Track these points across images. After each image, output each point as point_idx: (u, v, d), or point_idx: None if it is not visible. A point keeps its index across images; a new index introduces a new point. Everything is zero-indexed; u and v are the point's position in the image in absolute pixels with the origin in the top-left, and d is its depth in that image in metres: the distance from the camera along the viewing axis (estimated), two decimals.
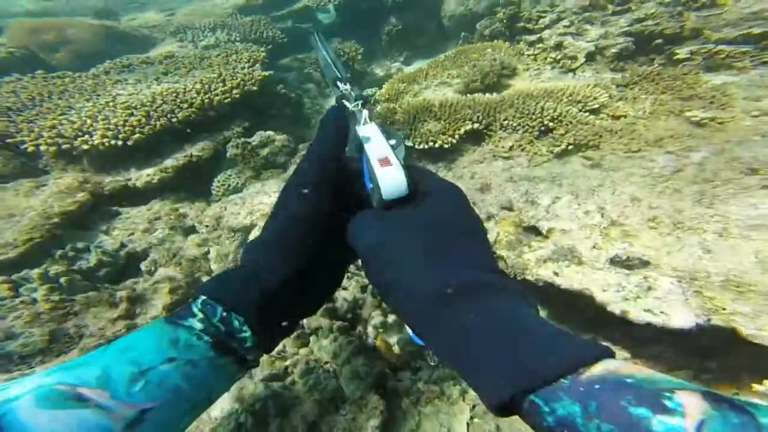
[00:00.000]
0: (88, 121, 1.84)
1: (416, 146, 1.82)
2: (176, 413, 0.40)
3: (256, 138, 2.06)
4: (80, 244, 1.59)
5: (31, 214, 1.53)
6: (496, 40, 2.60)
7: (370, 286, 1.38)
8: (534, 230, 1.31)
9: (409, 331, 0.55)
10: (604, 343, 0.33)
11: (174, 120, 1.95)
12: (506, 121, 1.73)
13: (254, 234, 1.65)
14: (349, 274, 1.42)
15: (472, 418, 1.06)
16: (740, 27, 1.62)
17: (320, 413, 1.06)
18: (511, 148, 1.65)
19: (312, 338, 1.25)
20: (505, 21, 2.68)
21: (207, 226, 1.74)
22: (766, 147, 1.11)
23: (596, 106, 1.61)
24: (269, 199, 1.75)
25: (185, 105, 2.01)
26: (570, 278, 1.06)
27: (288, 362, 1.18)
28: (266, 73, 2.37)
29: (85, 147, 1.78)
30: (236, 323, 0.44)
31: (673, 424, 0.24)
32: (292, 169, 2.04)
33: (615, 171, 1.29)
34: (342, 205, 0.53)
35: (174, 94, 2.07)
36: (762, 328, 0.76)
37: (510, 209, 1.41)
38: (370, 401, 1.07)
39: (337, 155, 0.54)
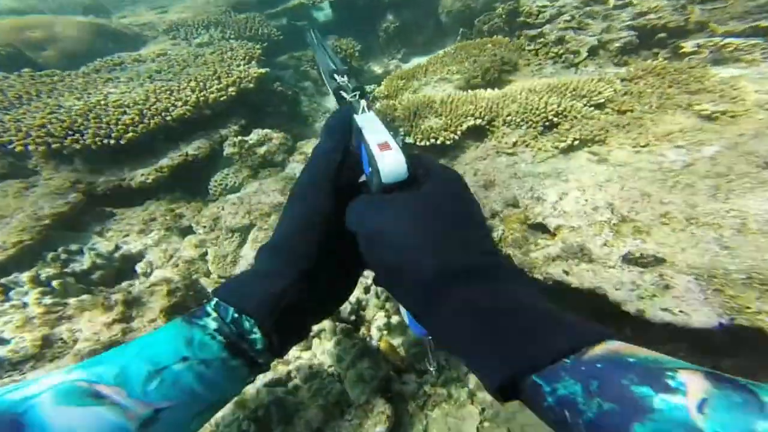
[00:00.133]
0: (79, 120, 1.79)
1: (417, 143, 1.79)
2: (188, 414, 0.41)
3: (253, 136, 2.02)
4: (73, 246, 1.55)
5: (21, 216, 1.48)
6: (495, 36, 2.57)
7: (373, 287, 1.35)
8: (541, 227, 1.28)
9: (407, 320, 0.53)
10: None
11: (168, 118, 1.90)
12: (509, 117, 1.69)
13: (253, 234, 1.61)
14: None
15: (481, 422, 1.03)
16: (746, 20, 1.60)
17: (325, 419, 1.03)
18: (514, 144, 1.62)
19: (315, 341, 1.21)
20: (504, 16, 2.65)
21: (204, 226, 1.70)
22: None
23: (601, 100, 1.58)
24: (268, 198, 1.71)
25: (180, 103, 1.96)
26: (581, 276, 1.03)
27: (291, 366, 1.15)
28: (263, 71, 2.32)
29: (77, 146, 1.73)
30: (247, 324, 0.44)
31: (675, 403, 0.24)
32: (290, 167, 2.00)
33: (623, 166, 1.26)
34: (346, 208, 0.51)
35: (168, 92, 2.02)
36: None
37: (515, 206, 1.38)
38: (376, 406, 1.04)
39: (342, 158, 0.53)
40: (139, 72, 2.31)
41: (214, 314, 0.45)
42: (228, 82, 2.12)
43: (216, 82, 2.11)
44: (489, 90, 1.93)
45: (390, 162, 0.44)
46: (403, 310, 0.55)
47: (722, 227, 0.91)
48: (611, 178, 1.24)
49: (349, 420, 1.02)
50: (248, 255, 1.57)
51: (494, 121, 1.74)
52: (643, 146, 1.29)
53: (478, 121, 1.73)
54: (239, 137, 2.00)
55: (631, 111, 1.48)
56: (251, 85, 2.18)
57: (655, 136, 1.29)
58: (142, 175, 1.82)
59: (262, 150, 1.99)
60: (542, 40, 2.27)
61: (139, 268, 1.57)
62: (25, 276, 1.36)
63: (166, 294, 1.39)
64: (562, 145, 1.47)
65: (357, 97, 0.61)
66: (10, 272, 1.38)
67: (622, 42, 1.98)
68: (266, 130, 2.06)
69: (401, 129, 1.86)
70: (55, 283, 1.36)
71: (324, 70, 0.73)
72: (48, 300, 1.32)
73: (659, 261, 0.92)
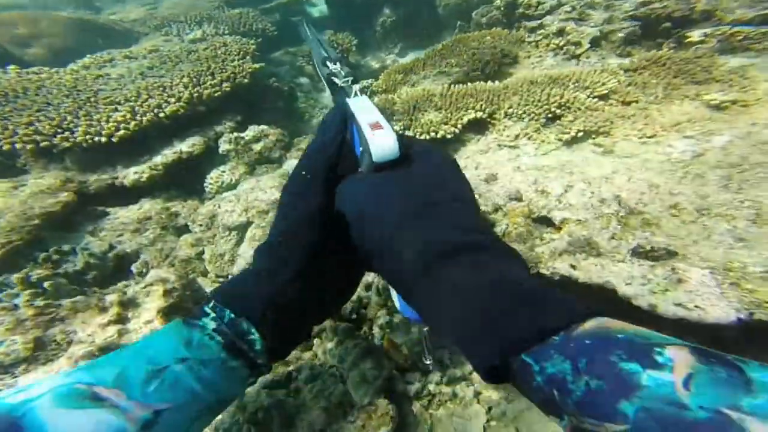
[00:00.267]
0: (69, 118, 1.74)
1: (417, 137, 1.75)
2: (188, 416, 0.40)
3: (250, 132, 1.98)
4: (65, 247, 1.51)
5: (9, 216, 1.43)
6: (494, 28, 2.53)
7: (374, 284, 1.32)
8: (545, 221, 1.25)
9: (398, 304, 0.52)
10: None
11: (161, 115, 1.86)
12: (511, 109, 1.66)
13: (251, 232, 1.58)
14: None
15: (488, 421, 1.00)
16: (756, 8, 1.57)
17: (327, 421, 1.00)
18: (516, 137, 1.58)
19: (316, 341, 1.18)
20: (502, 8, 2.61)
21: (200, 225, 1.66)
22: None
23: (605, 91, 1.55)
24: (265, 195, 1.67)
25: (173, 99, 1.91)
26: (588, 271, 1.00)
27: (291, 367, 1.11)
28: (257, 65, 2.28)
29: (66, 144, 1.68)
30: (244, 325, 0.44)
31: (662, 378, 0.24)
32: (287, 164, 1.97)
33: (629, 157, 1.23)
34: None
35: (160, 89, 1.97)
36: None
37: (519, 199, 1.35)
38: (380, 406, 1.01)
39: (337, 152, 0.52)
40: (130, 68, 2.26)
41: (213, 314, 0.44)
42: (222, 77, 2.07)
43: (210, 77, 2.06)
44: (489, 82, 1.90)
45: (381, 141, 0.43)
46: (394, 294, 0.53)
47: (736, 218, 0.88)
48: (617, 170, 1.21)
49: (353, 422, 0.99)
50: (246, 253, 1.54)
51: (495, 113, 1.70)
52: (650, 137, 1.26)
53: (479, 114, 1.70)
54: (235, 134, 1.96)
55: (636, 102, 1.45)
56: (246, 81, 2.13)
57: (662, 126, 1.27)
58: (136, 173, 1.78)
59: (258, 146, 1.95)
60: (542, 31, 2.23)
61: (135, 268, 1.53)
62: (15, 277, 1.33)
63: (162, 294, 1.35)
64: (566, 137, 1.44)
65: (349, 82, 0.61)
66: None
67: (624, 32, 1.94)
68: (262, 126, 2.02)
69: (401, 122, 1.82)
70: (46, 284, 1.32)
71: (317, 60, 0.72)
72: (40, 302, 1.28)
73: (671, 254, 0.89)
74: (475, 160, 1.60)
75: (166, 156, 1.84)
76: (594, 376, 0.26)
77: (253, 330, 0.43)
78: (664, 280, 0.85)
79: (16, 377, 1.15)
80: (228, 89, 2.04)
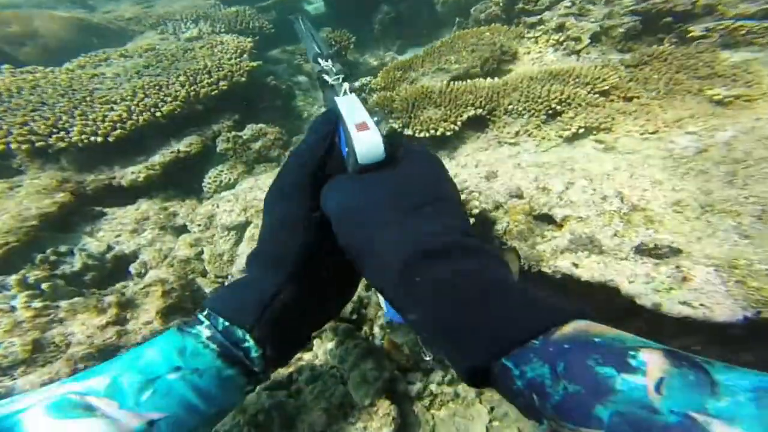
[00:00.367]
0: (64, 117, 1.72)
1: (416, 135, 1.74)
2: (184, 425, 0.40)
3: (248, 131, 1.96)
4: (63, 248, 1.49)
5: (5, 217, 1.42)
6: (493, 24, 2.51)
7: None
8: (547, 218, 1.24)
9: (383, 305, 0.51)
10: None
11: (158, 114, 1.84)
12: (511, 106, 1.65)
13: (250, 232, 1.56)
14: None
15: (491, 421, 0.99)
16: (758, 1, 1.55)
17: (328, 422, 0.99)
18: (517, 134, 1.57)
19: (316, 342, 1.17)
20: (501, 4, 2.58)
21: (199, 224, 1.65)
22: None
23: (606, 87, 1.54)
24: (263, 194, 1.65)
25: (169, 98, 1.90)
26: (591, 269, 0.99)
27: (292, 369, 1.10)
28: (254, 63, 2.26)
29: (62, 144, 1.67)
30: (239, 333, 0.43)
31: (635, 382, 0.24)
32: None
33: (631, 154, 1.22)
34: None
35: (157, 87, 1.95)
36: None
37: (519, 197, 1.33)
38: (381, 407, 1.00)
39: (322, 158, 0.51)
40: (126, 67, 2.23)
41: (206, 322, 0.44)
42: (219, 75, 2.05)
43: (207, 76, 2.04)
44: (489, 79, 1.88)
45: (366, 142, 0.43)
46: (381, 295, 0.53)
47: (741, 215, 0.87)
48: (619, 166, 1.20)
49: (354, 423, 0.98)
50: (245, 253, 1.52)
51: (495, 110, 1.69)
52: (652, 133, 1.25)
53: (479, 111, 1.68)
54: (233, 132, 1.94)
55: (638, 98, 1.44)
56: (243, 79, 2.11)
57: (664, 122, 1.25)
58: (133, 173, 1.76)
59: (256, 145, 1.94)
60: (542, 27, 2.21)
61: (133, 268, 1.52)
62: (12, 279, 1.31)
63: (161, 295, 1.34)
64: (567, 133, 1.43)
65: (340, 80, 0.60)
66: None
67: (625, 27, 1.92)
68: (260, 125, 2.00)
69: (400, 120, 1.80)
70: (44, 285, 1.31)
71: (309, 54, 0.72)
72: (38, 303, 1.27)
73: (675, 252, 0.88)
74: (475, 158, 1.59)
75: (163, 155, 1.82)
76: (572, 381, 0.26)
77: (248, 337, 0.43)
78: (668, 278, 0.84)
79: (14, 379, 1.15)
80: (225, 88, 2.02)
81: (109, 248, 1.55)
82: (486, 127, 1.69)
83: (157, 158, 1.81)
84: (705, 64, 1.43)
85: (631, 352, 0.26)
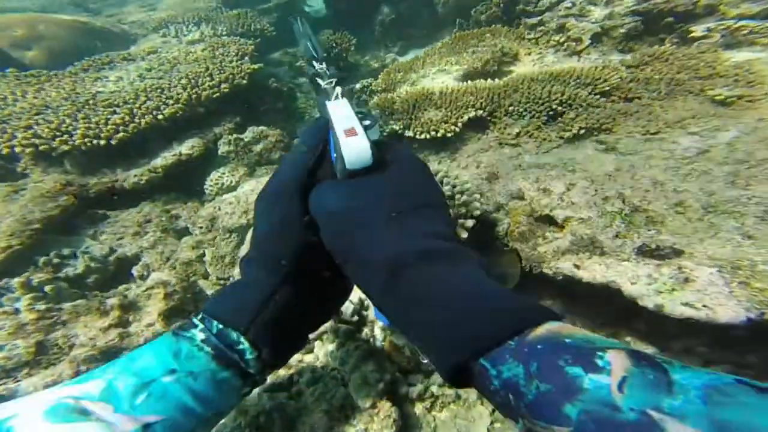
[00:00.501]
0: (67, 121, 1.73)
1: (417, 136, 1.74)
2: (181, 428, 0.40)
3: (249, 134, 1.97)
4: (66, 251, 1.50)
5: (9, 220, 1.43)
6: (493, 26, 2.51)
7: None
8: (548, 220, 1.23)
9: (374, 309, 0.51)
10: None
11: (160, 117, 1.85)
12: (511, 107, 1.65)
13: (251, 235, 1.57)
14: None
15: (492, 423, 0.99)
16: (761, 1, 1.54)
17: (329, 424, 0.99)
18: (518, 135, 1.57)
19: (317, 343, 1.17)
20: (502, 5, 2.59)
21: (201, 227, 1.65)
22: None
23: (607, 88, 1.53)
24: None
25: (171, 101, 1.91)
26: (593, 270, 0.99)
27: (293, 370, 1.10)
28: (255, 66, 2.27)
29: (65, 148, 1.68)
30: (233, 335, 0.43)
31: (601, 381, 0.25)
32: None
33: (633, 154, 1.21)
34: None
35: (159, 90, 1.97)
36: None
37: (520, 198, 1.33)
38: (382, 409, 1.00)
39: (312, 163, 0.51)
40: (128, 70, 2.25)
41: (201, 325, 0.44)
42: (221, 78, 2.06)
43: (208, 79, 2.05)
44: (489, 80, 1.88)
45: (354, 147, 0.44)
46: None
47: (744, 215, 0.87)
48: (621, 167, 1.19)
49: (355, 425, 0.98)
50: None
51: (496, 111, 1.69)
52: (654, 134, 1.24)
53: (480, 112, 1.68)
54: (234, 135, 1.95)
55: (639, 98, 1.44)
56: (245, 82, 2.12)
57: (666, 123, 1.25)
58: (135, 176, 1.77)
59: (258, 147, 1.94)
60: (543, 28, 2.21)
61: (136, 271, 1.53)
62: (15, 281, 1.32)
63: (163, 297, 1.35)
64: (568, 134, 1.43)
65: (333, 84, 0.60)
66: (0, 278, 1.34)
67: (626, 28, 1.92)
68: (262, 128, 2.01)
69: (400, 122, 1.80)
70: (47, 288, 1.32)
71: (305, 57, 0.73)
72: (41, 306, 1.28)
73: (677, 253, 0.87)
74: (476, 159, 1.59)
75: (165, 158, 1.83)
76: (543, 380, 0.27)
77: (242, 339, 0.43)
78: (670, 279, 0.83)
79: (18, 381, 1.15)
80: (226, 90, 2.03)
81: (112, 251, 1.56)
82: (487, 128, 1.69)
83: (160, 161, 1.82)
84: (706, 64, 1.43)
85: (599, 353, 0.27)
